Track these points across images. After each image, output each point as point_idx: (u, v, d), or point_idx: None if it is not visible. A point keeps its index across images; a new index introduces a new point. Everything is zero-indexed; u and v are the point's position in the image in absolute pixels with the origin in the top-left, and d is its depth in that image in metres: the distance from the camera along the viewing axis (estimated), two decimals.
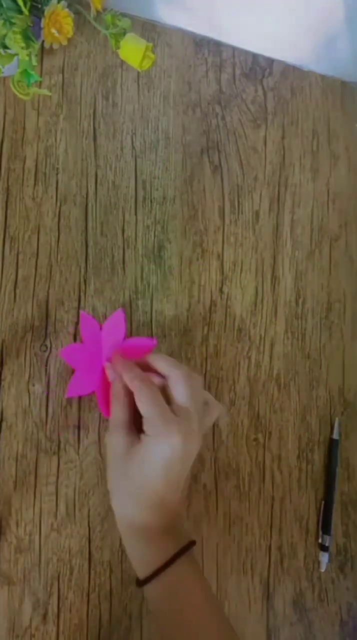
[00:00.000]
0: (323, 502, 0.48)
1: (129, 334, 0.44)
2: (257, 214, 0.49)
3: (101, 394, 0.40)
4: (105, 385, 0.40)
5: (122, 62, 0.43)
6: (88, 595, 0.40)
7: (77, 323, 0.42)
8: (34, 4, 0.37)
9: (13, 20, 0.34)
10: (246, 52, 0.50)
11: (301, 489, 0.48)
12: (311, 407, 0.49)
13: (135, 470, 0.34)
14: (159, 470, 0.33)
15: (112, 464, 0.35)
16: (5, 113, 0.42)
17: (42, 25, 0.38)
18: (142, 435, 0.34)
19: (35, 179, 0.42)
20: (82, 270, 0.43)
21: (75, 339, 0.42)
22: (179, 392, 0.36)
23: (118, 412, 0.36)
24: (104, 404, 0.40)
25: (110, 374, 0.39)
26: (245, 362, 0.47)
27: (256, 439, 0.47)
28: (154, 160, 0.46)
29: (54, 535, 0.40)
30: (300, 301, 0.50)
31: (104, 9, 0.39)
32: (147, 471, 0.34)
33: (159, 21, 0.47)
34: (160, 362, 0.38)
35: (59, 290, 0.42)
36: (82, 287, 0.43)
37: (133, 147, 0.46)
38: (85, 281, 0.43)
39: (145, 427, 0.34)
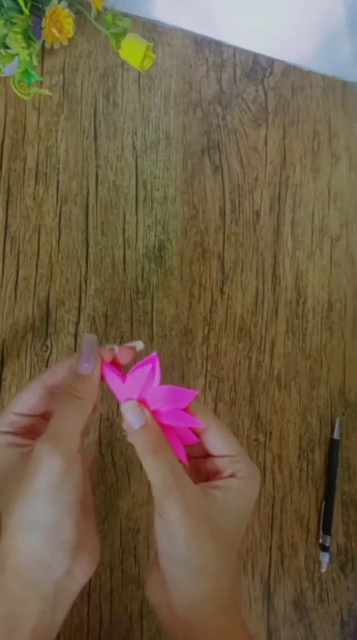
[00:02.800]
0: (324, 502, 0.48)
1: (130, 334, 0.44)
2: (257, 213, 0.49)
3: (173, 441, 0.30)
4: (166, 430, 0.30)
5: (123, 62, 0.43)
6: (88, 595, 0.40)
7: (77, 323, 0.42)
8: (35, 4, 0.37)
9: (14, 20, 0.34)
10: (247, 52, 0.50)
11: (301, 489, 0.48)
12: (312, 407, 0.49)
13: (224, 520, 0.28)
14: (247, 517, 0.29)
15: (184, 527, 0.26)
16: (6, 113, 0.42)
17: (42, 25, 0.38)
18: (231, 480, 0.29)
19: (36, 179, 0.42)
20: (83, 270, 0.43)
21: (75, 339, 0.42)
22: (229, 437, 0.31)
23: (171, 464, 0.27)
24: (179, 449, 0.30)
25: (134, 419, 0.28)
26: (245, 362, 0.47)
27: (256, 439, 0.47)
28: (154, 160, 0.46)
29: None
30: (301, 301, 0.50)
31: (105, 9, 0.39)
32: (236, 519, 0.28)
33: (160, 21, 0.47)
34: (199, 414, 0.30)
35: (60, 290, 0.42)
36: (83, 286, 0.43)
37: (134, 147, 0.46)
38: (86, 281, 0.43)
39: (229, 467, 0.29)
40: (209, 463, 0.31)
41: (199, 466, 0.32)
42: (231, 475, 0.29)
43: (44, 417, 0.30)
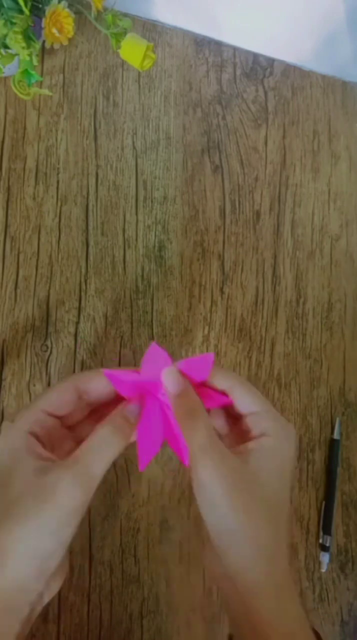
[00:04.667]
0: (324, 502, 0.48)
1: (130, 334, 0.44)
2: (257, 213, 0.49)
3: (174, 440, 0.29)
4: (175, 429, 0.29)
5: (123, 62, 0.43)
6: (88, 596, 0.40)
7: (77, 323, 0.42)
8: (35, 3, 0.37)
9: (14, 20, 0.34)
10: (247, 52, 0.50)
11: (301, 489, 0.48)
12: (312, 407, 0.49)
13: (265, 485, 0.26)
14: (288, 477, 0.28)
15: (227, 485, 0.25)
16: (6, 113, 0.42)
17: (43, 25, 0.38)
18: (261, 439, 0.28)
19: (36, 179, 0.42)
20: (83, 270, 0.43)
21: (75, 339, 0.42)
22: (254, 394, 0.29)
23: (207, 428, 0.27)
24: (180, 449, 0.29)
25: (172, 385, 0.28)
26: (246, 362, 0.47)
27: None
28: (154, 160, 0.46)
29: None
30: (301, 301, 0.50)
31: (105, 9, 0.39)
32: (277, 481, 0.27)
33: (160, 21, 0.47)
34: (220, 376, 0.30)
35: (60, 290, 0.42)
36: (83, 286, 0.43)
37: (134, 147, 0.46)
38: (86, 281, 0.43)
39: (257, 425, 0.28)
40: (239, 426, 0.30)
41: (231, 434, 0.31)
42: (261, 435, 0.28)
43: (63, 423, 0.29)
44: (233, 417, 0.31)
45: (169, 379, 0.28)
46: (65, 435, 0.29)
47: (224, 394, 0.30)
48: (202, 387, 0.29)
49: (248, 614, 0.25)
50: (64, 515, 0.24)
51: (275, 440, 0.28)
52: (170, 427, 0.29)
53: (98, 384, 0.28)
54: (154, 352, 0.29)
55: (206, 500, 0.26)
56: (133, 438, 0.28)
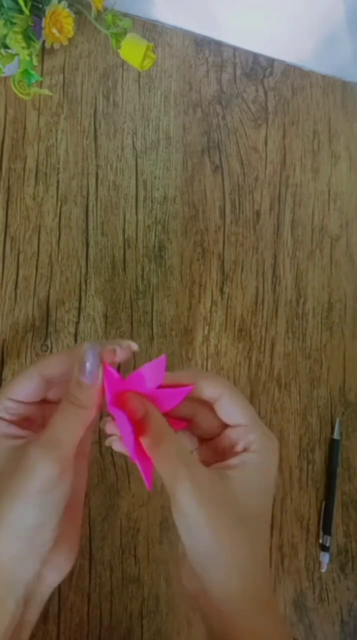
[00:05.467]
0: (324, 502, 0.48)
1: (130, 334, 0.44)
2: (257, 213, 0.49)
3: (142, 460, 0.27)
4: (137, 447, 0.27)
5: (123, 62, 0.43)
6: (89, 595, 0.40)
7: (77, 323, 0.42)
8: (35, 3, 0.37)
9: (14, 20, 0.34)
10: (247, 52, 0.50)
11: (301, 489, 0.48)
12: (312, 407, 0.49)
13: (245, 503, 0.26)
14: (270, 494, 0.27)
15: (204, 512, 0.25)
16: (6, 113, 0.42)
17: (43, 25, 0.38)
18: (244, 454, 0.27)
19: (36, 179, 0.42)
20: (83, 270, 0.43)
21: (75, 339, 0.42)
22: (240, 405, 0.29)
23: (178, 451, 0.26)
24: (147, 471, 0.27)
25: (140, 408, 0.27)
26: (246, 362, 0.47)
27: None
28: (154, 160, 0.46)
29: None
30: (301, 301, 0.50)
31: (105, 9, 0.39)
32: (258, 499, 0.27)
33: (160, 21, 0.47)
34: (206, 384, 0.29)
35: (60, 290, 0.42)
36: (83, 286, 0.43)
37: (134, 147, 0.46)
38: (86, 281, 0.43)
39: (242, 439, 0.28)
40: (223, 438, 0.29)
41: (215, 446, 0.30)
42: (245, 449, 0.27)
43: (41, 404, 0.29)
44: (215, 427, 0.30)
45: (130, 403, 0.27)
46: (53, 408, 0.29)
47: (183, 420, 0.29)
48: (164, 391, 0.28)
49: (226, 630, 0.25)
50: (42, 485, 0.24)
51: (259, 456, 0.27)
52: (135, 445, 0.27)
53: (61, 368, 0.28)
54: (155, 365, 0.28)
55: (183, 523, 0.25)
56: (97, 399, 0.27)
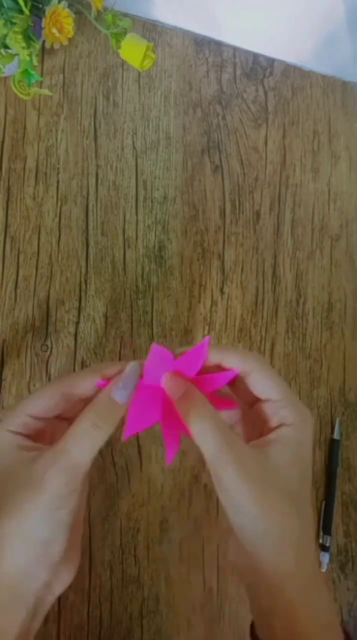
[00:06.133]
0: (324, 502, 0.48)
1: (130, 334, 0.44)
2: (257, 213, 0.49)
3: (168, 423, 0.28)
4: (170, 413, 0.28)
5: (123, 62, 0.43)
6: (89, 596, 0.40)
7: (77, 323, 0.42)
8: (35, 3, 0.37)
9: (14, 20, 0.34)
10: (247, 52, 0.50)
11: None
12: (312, 407, 0.49)
13: (288, 478, 0.26)
14: (309, 465, 0.28)
15: (249, 487, 0.25)
16: (6, 113, 0.42)
17: (43, 25, 0.38)
18: (281, 429, 0.27)
19: (36, 179, 0.42)
20: (83, 270, 0.43)
21: (75, 339, 0.42)
22: (273, 379, 0.29)
23: (220, 427, 0.26)
24: (172, 435, 0.28)
25: (174, 389, 0.27)
26: None
27: None
28: (154, 160, 0.46)
29: None
30: (301, 301, 0.50)
31: (105, 9, 0.39)
32: (299, 472, 0.27)
33: (160, 21, 0.47)
34: (236, 359, 0.29)
35: (60, 290, 0.42)
36: (83, 286, 0.43)
37: (134, 147, 0.46)
38: (86, 281, 0.43)
39: (276, 414, 0.28)
40: (258, 413, 0.29)
41: (250, 420, 0.30)
42: (280, 425, 0.27)
43: (55, 422, 0.29)
44: (248, 400, 0.30)
45: (169, 385, 0.28)
46: (64, 425, 0.29)
47: (230, 400, 0.29)
48: (206, 376, 0.29)
49: (276, 606, 0.26)
50: (53, 501, 0.24)
51: (294, 430, 0.27)
52: (170, 414, 0.27)
53: (85, 388, 0.28)
54: (156, 354, 0.28)
55: (230, 503, 0.25)
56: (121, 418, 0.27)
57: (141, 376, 0.28)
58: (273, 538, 0.25)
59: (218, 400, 0.29)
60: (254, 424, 0.30)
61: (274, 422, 0.28)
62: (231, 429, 0.27)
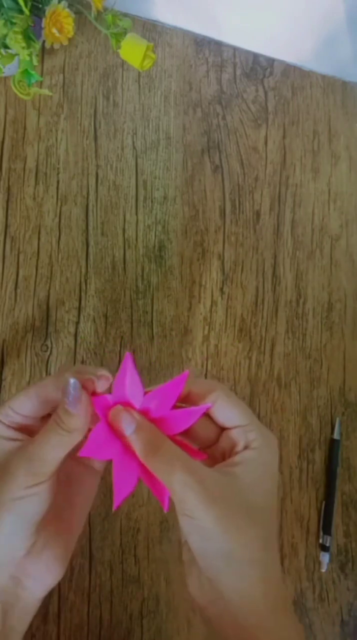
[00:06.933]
0: (324, 502, 0.48)
1: (130, 334, 0.44)
2: (257, 213, 0.49)
3: (148, 477, 0.26)
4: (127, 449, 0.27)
5: (123, 62, 0.43)
6: (89, 596, 0.40)
7: (77, 323, 0.42)
8: (35, 3, 0.37)
9: (14, 20, 0.34)
10: (247, 52, 0.50)
11: (301, 489, 0.48)
12: (312, 407, 0.49)
13: (253, 497, 0.26)
14: (274, 487, 0.28)
15: (215, 514, 0.24)
16: (6, 113, 0.42)
17: (43, 25, 0.38)
18: (246, 452, 0.27)
19: (36, 179, 0.42)
20: (83, 270, 0.43)
21: (75, 339, 0.42)
22: (237, 406, 0.29)
23: (177, 456, 0.26)
24: (156, 488, 0.26)
25: (125, 424, 0.26)
26: (246, 362, 0.47)
27: None
28: (154, 160, 0.46)
29: None
30: (301, 301, 0.50)
31: (105, 9, 0.39)
32: (264, 492, 0.27)
33: (160, 21, 0.47)
34: (200, 388, 0.29)
35: (60, 290, 0.42)
36: (83, 286, 0.43)
37: (134, 147, 0.46)
38: (86, 281, 0.43)
39: (242, 438, 0.28)
40: (222, 441, 0.29)
41: (213, 452, 0.30)
42: (246, 448, 0.28)
43: (44, 418, 0.29)
44: (210, 432, 0.30)
45: (118, 420, 0.26)
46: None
47: (201, 451, 0.29)
48: (177, 411, 0.28)
49: (244, 635, 0.25)
50: (15, 490, 0.25)
51: (261, 452, 0.27)
52: (142, 464, 0.26)
53: (54, 391, 0.28)
54: (126, 368, 0.27)
55: (193, 528, 0.25)
56: (84, 425, 0.26)
57: (109, 391, 0.27)
58: (235, 559, 0.25)
59: (188, 448, 0.28)
60: (216, 455, 0.29)
61: (239, 446, 0.28)
62: (187, 456, 0.27)
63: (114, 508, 0.26)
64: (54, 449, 0.26)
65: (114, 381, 0.27)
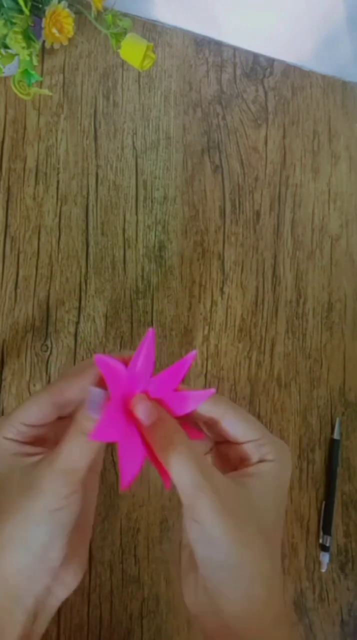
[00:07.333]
0: (324, 502, 0.48)
1: (130, 334, 0.44)
2: (258, 213, 0.49)
3: (154, 456, 0.26)
4: (134, 434, 0.26)
5: (123, 62, 0.43)
6: (89, 596, 0.40)
7: (77, 323, 0.42)
8: (35, 3, 0.37)
9: (14, 20, 0.34)
10: (247, 52, 0.50)
11: (301, 489, 0.48)
12: (312, 407, 0.49)
13: (265, 511, 0.26)
14: (285, 500, 0.27)
15: (225, 522, 0.24)
16: (6, 113, 0.42)
17: (43, 25, 0.38)
18: (261, 464, 0.27)
19: (36, 179, 0.42)
20: (83, 270, 0.43)
21: (75, 339, 0.42)
22: (248, 421, 0.28)
23: (195, 457, 0.25)
24: (161, 467, 0.26)
25: (144, 414, 0.26)
26: (246, 362, 0.47)
27: None
28: (154, 160, 0.46)
29: None
30: (301, 301, 0.50)
31: (105, 9, 0.39)
32: (277, 505, 0.26)
33: (160, 21, 0.47)
34: (209, 403, 0.28)
35: (60, 290, 0.42)
36: (83, 286, 0.43)
37: (134, 147, 0.46)
38: (86, 281, 0.43)
39: (256, 451, 0.27)
40: (233, 451, 0.29)
41: (224, 453, 0.29)
42: (260, 461, 0.27)
43: (55, 422, 0.29)
44: (221, 443, 0.29)
45: (139, 409, 0.26)
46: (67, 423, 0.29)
47: (200, 430, 0.29)
48: (181, 393, 0.27)
49: None
50: (50, 502, 0.24)
51: (276, 466, 0.27)
52: (132, 435, 0.26)
53: (74, 393, 0.27)
54: (149, 344, 0.26)
55: (202, 537, 0.25)
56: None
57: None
58: (243, 571, 0.24)
59: (188, 428, 0.27)
60: (229, 458, 0.29)
61: (254, 459, 0.27)
62: (206, 459, 0.27)
63: (121, 488, 0.25)
64: (82, 457, 0.25)
65: (134, 356, 0.27)
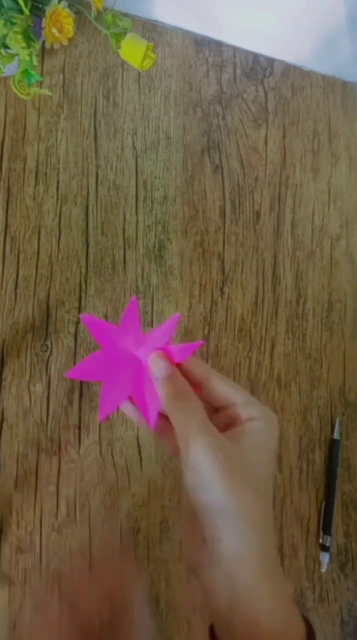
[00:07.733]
0: (324, 502, 0.48)
1: None
2: (257, 213, 0.49)
3: (141, 399, 0.29)
4: (145, 389, 0.30)
5: (123, 62, 0.43)
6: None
7: (77, 323, 0.42)
8: (35, 3, 0.37)
9: (14, 20, 0.34)
10: (247, 52, 0.50)
11: (301, 489, 0.48)
12: (312, 407, 0.49)
13: (255, 463, 0.27)
14: (274, 459, 0.29)
15: (221, 467, 0.25)
16: (6, 113, 0.42)
17: (43, 25, 0.38)
18: (250, 422, 0.28)
19: (36, 179, 0.42)
20: (83, 270, 0.43)
21: (75, 339, 0.42)
22: (233, 385, 0.30)
23: (198, 409, 0.27)
24: (147, 410, 0.29)
25: (159, 369, 0.29)
26: (246, 362, 0.47)
27: None
28: (154, 160, 0.46)
29: (55, 536, 0.40)
30: (301, 301, 0.50)
31: (105, 9, 0.39)
32: (267, 460, 0.28)
33: (160, 21, 0.47)
34: (196, 366, 0.30)
35: (60, 290, 0.42)
36: (83, 286, 0.43)
37: (134, 147, 0.46)
38: (86, 281, 0.43)
39: (244, 412, 0.29)
40: (222, 416, 0.30)
41: (214, 422, 0.30)
42: (250, 419, 0.29)
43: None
44: (209, 408, 0.31)
45: (155, 364, 0.29)
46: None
47: (195, 384, 0.30)
48: (174, 347, 0.30)
49: (235, 597, 0.26)
50: None
51: (263, 422, 0.29)
52: (140, 386, 0.29)
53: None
54: (132, 309, 0.29)
55: (198, 481, 0.26)
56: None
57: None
58: (239, 517, 0.26)
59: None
60: (220, 425, 0.30)
61: (243, 418, 0.29)
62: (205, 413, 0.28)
63: (99, 420, 0.26)
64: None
65: (121, 319, 0.29)
